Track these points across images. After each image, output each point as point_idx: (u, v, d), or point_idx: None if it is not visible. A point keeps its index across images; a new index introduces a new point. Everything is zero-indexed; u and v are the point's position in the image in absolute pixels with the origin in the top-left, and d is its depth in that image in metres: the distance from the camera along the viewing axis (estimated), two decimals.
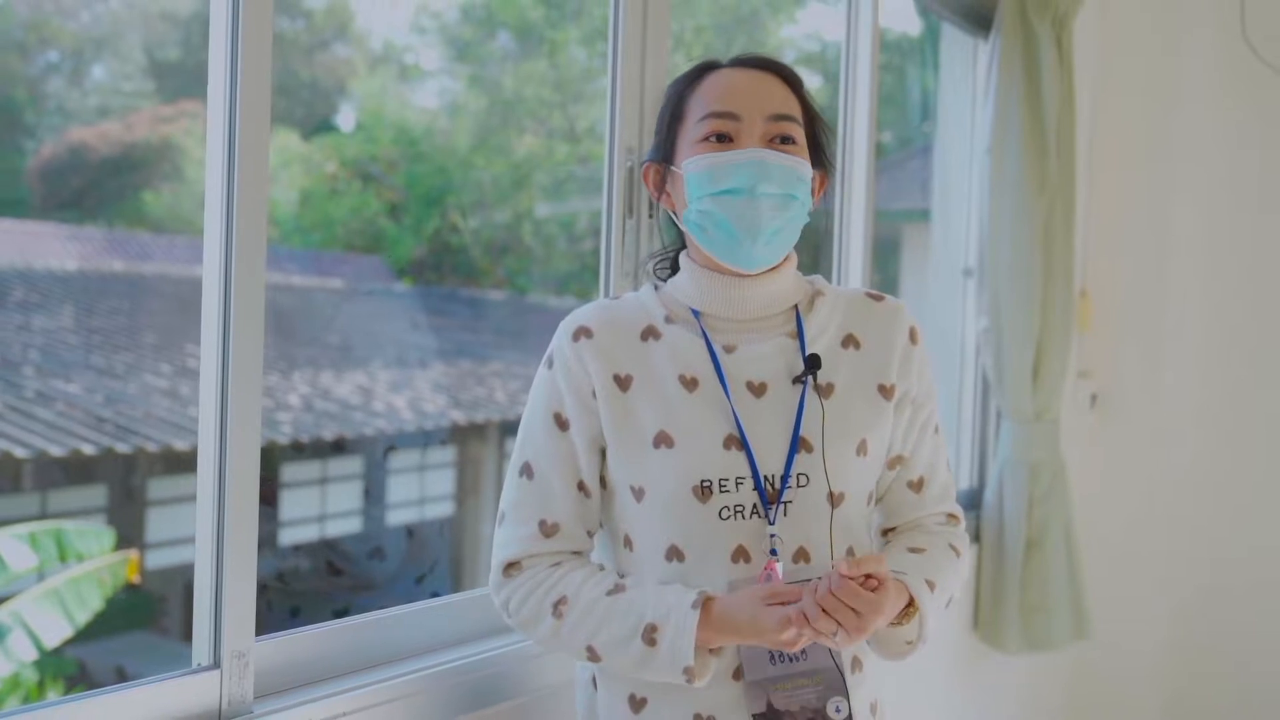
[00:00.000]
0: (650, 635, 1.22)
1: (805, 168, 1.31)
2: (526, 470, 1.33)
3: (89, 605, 4.28)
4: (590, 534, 1.35)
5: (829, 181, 1.39)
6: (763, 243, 1.29)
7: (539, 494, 1.32)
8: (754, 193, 1.26)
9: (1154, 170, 3.30)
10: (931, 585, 1.31)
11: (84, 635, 4.89)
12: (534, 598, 1.30)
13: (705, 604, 1.22)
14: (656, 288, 1.39)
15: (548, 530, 1.31)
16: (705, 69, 1.35)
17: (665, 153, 1.35)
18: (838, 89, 2.56)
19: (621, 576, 1.31)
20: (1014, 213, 2.77)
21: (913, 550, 1.37)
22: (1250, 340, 3.24)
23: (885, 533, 1.44)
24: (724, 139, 1.28)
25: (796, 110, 1.32)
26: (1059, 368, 2.89)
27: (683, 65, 1.40)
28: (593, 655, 1.27)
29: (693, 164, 1.29)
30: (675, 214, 1.36)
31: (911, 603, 1.28)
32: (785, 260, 1.35)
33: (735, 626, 1.20)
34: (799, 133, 1.31)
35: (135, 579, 4.67)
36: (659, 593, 1.25)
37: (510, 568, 1.33)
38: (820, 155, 1.36)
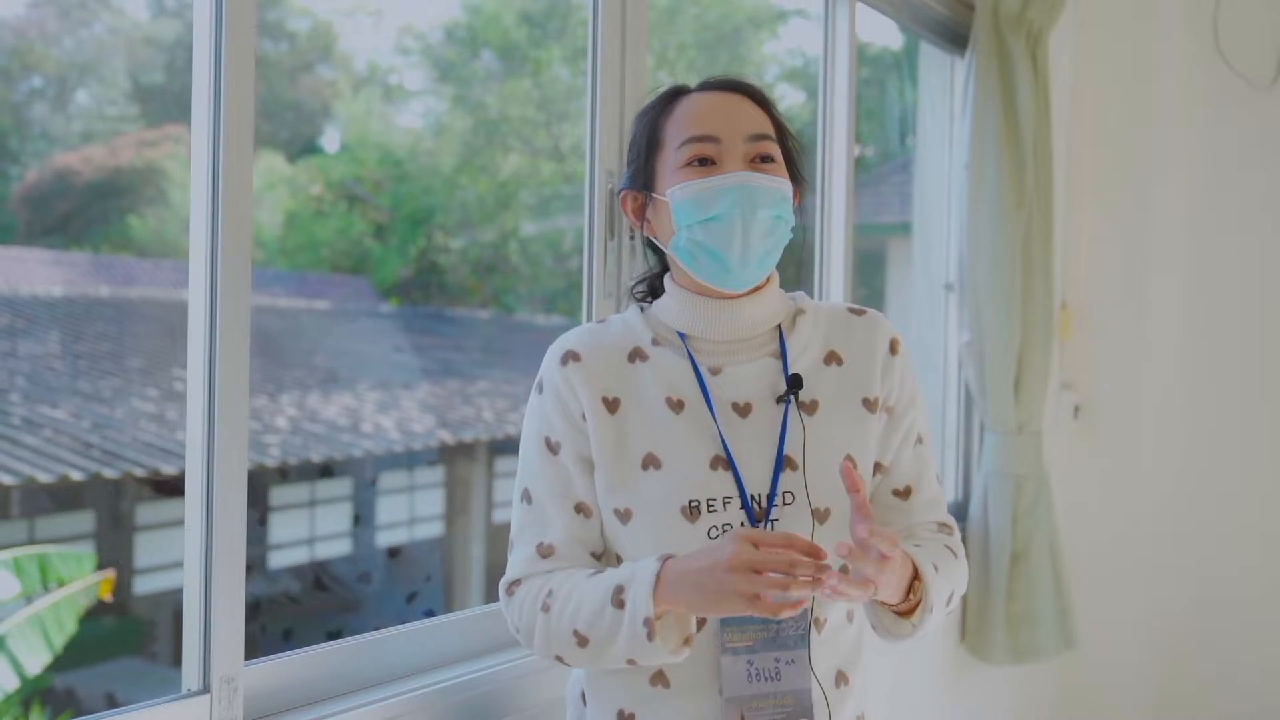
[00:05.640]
0: (618, 596, 1.21)
1: (788, 186, 1.32)
2: (526, 496, 1.35)
3: (65, 629, 4.27)
4: (596, 555, 1.35)
5: (803, 194, 1.41)
6: (753, 266, 1.31)
7: (537, 518, 1.34)
8: (743, 219, 1.27)
9: (1131, 182, 3.33)
10: (936, 567, 1.31)
11: (75, 661, 4.86)
12: (528, 603, 1.30)
13: (667, 560, 1.21)
14: (642, 310, 1.40)
15: (544, 551, 1.32)
16: (675, 94, 1.36)
17: (644, 181, 1.35)
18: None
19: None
20: (993, 227, 2.79)
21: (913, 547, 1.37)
22: (1232, 350, 3.27)
23: None
24: (706, 163, 1.29)
25: (771, 129, 1.34)
26: (1040, 380, 2.91)
27: (666, 84, 1.41)
28: (580, 640, 1.24)
29: (679, 191, 1.29)
30: (658, 240, 1.37)
31: (916, 580, 1.28)
32: (768, 280, 1.36)
33: (693, 583, 1.16)
34: (777, 151, 1.33)
35: (108, 597, 4.65)
36: (633, 562, 1.25)
37: (512, 586, 1.34)
38: (794, 170, 1.37)
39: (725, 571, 1.13)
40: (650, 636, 1.18)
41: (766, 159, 1.30)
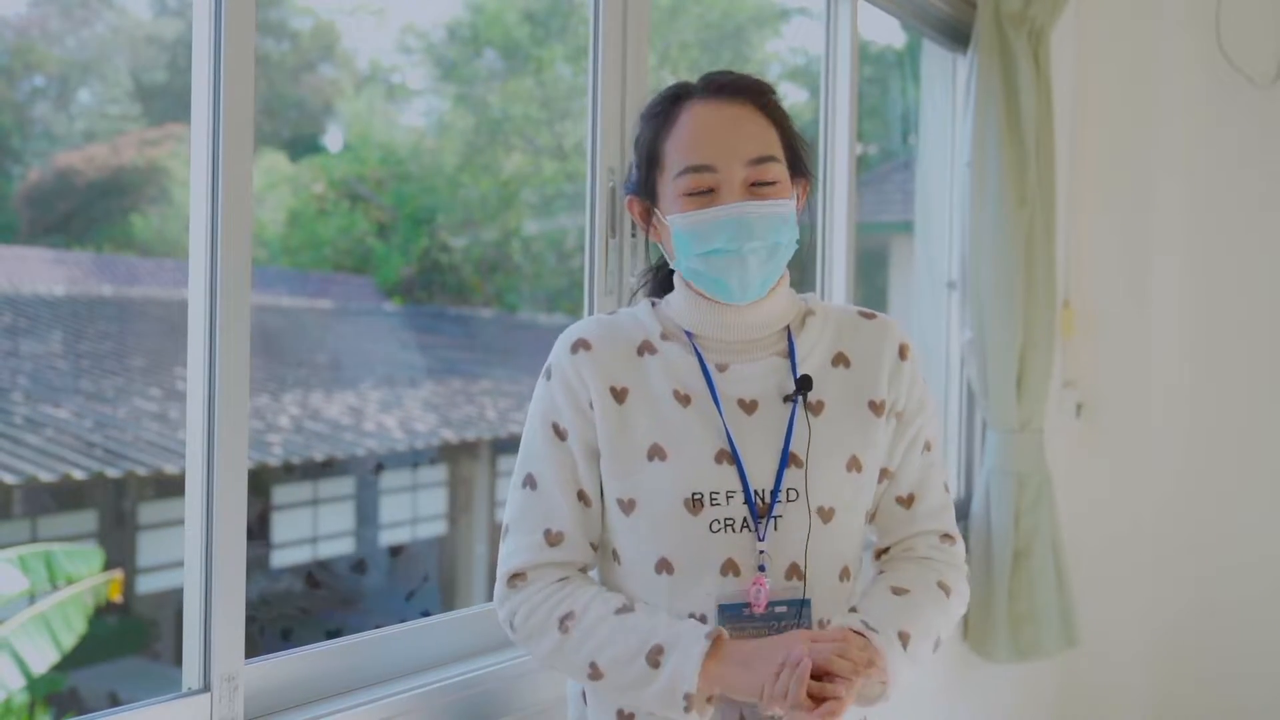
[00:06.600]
0: (655, 657, 1.22)
1: (789, 207, 1.30)
2: (529, 481, 1.34)
3: (74, 628, 4.26)
4: (594, 546, 1.35)
5: (810, 189, 1.39)
6: (754, 288, 1.31)
7: (542, 504, 1.32)
8: (740, 250, 1.27)
9: (1133, 180, 3.32)
10: (905, 638, 1.29)
11: (77, 661, 4.85)
12: (540, 611, 1.29)
13: (717, 639, 1.22)
14: (654, 304, 1.40)
15: (552, 539, 1.31)
16: (676, 99, 1.33)
17: (647, 192, 1.35)
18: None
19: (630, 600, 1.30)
20: (995, 225, 2.79)
21: (896, 591, 1.35)
22: (1234, 348, 3.26)
23: (879, 554, 1.44)
24: (705, 192, 1.28)
25: (774, 141, 1.31)
26: (1043, 378, 2.91)
27: (667, 82, 1.39)
28: (594, 672, 1.26)
29: (677, 222, 1.29)
30: (663, 247, 1.36)
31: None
32: (777, 283, 1.35)
33: (742, 665, 1.20)
34: (779, 169, 1.30)
35: (117, 598, 4.64)
36: (671, 620, 1.25)
37: (515, 579, 1.32)
38: (800, 167, 1.36)
39: (777, 661, 1.19)
40: (687, 709, 1.21)
41: (766, 184, 1.29)
